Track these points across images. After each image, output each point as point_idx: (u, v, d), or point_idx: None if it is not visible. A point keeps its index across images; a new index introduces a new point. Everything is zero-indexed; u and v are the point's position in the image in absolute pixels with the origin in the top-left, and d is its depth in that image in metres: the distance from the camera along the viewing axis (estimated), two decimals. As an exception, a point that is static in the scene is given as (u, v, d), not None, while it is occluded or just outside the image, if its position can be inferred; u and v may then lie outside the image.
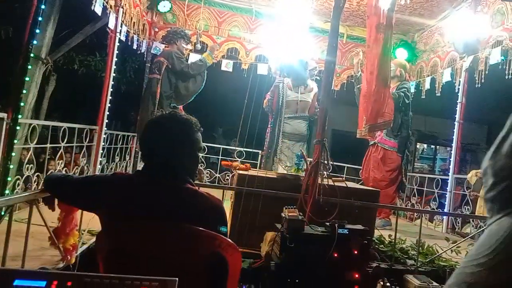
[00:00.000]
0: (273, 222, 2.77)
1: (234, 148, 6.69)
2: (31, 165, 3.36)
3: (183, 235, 1.40)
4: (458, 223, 5.28)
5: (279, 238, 2.62)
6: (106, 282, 0.83)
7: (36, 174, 3.41)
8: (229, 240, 1.44)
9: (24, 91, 2.91)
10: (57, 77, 8.40)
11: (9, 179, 2.77)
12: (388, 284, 2.87)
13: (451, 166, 5.42)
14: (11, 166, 2.75)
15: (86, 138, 4.28)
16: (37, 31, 2.79)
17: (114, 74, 4.82)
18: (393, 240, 3.36)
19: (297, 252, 2.48)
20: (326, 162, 3.05)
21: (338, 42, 3.34)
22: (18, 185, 3.19)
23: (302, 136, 4.80)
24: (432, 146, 13.59)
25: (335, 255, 2.49)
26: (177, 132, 1.58)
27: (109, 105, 4.72)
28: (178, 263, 1.35)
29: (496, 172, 0.62)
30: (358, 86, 4.63)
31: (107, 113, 4.68)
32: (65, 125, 3.72)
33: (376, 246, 3.31)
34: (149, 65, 5.90)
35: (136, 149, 5.94)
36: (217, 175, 6.29)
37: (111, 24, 4.48)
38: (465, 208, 5.19)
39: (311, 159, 3.24)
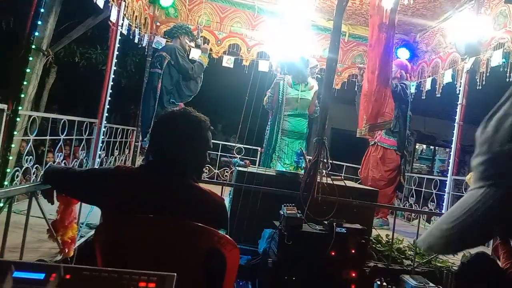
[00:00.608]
0: (271, 219, 2.78)
1: (233, 144, 6.69)
2: (30, 156, 3.36)
3: (182, 230, 1.40)
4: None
5: (277, 236, 2.63)
6: (105, 276, 0.82)
7: (35, 166, 3.41)
8: (228, 236, 1.44)
9: (25, 83, 2.90)
10: (57, 69, 8.40)
11: (8, 170, 2.77)
12: (384, 283, 2.88)
13: (450, 168, 5.43)
14: (10, 158, 2.75)
15: (85, 131, 4.28)
16: (39, 22, 2.79)
17: (115, 68, 4.82)
18: (390, 240, 3.37)
19: (294, 250, 2.49)
20: (325, 160, 3.05)
21: (340, 40, 3.34)
22: (17, 176, 3.19)
23: (301, 134, 4.79)
24: (431, 147, 13.60)
25: (333, 253, 2.50)
26: (188, 129, 1.57)
27: (109, 98, 4.71)
28: (176, 258, 1.35)
29: (480, 143, 0.63)
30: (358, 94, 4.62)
31: (107, 106, 4.67)
32: (65, 117, 3.71)
33: (373, 245, 3.31)
34: (150, 59, 5.85)
35: (136, 143, 5.94)
36: (216, 171, 6.30)
37: (113, 17, 4.47)
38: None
39: (311, 157, 3.24)
